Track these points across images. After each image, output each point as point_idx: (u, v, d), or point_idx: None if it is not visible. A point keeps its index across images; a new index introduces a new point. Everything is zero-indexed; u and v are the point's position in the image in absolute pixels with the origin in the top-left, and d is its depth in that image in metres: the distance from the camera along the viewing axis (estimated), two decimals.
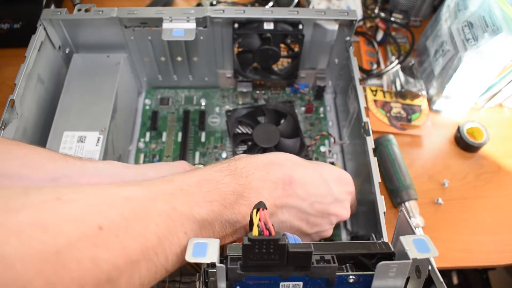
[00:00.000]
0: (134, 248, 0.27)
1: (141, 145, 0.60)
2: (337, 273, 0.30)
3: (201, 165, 0.50)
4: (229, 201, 0.34)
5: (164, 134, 0.61)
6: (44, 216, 0.24)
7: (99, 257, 0.25)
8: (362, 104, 0.50)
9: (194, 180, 0.34)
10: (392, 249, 0.32)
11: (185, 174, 0.35)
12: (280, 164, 0.39)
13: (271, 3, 0.75)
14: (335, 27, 0.53)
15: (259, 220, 0.28)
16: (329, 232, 0.42)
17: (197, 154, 0.59)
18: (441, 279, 0.29)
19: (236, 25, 0.53)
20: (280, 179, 0.38)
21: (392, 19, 0.73)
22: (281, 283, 0.30)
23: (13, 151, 0.37)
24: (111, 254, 0.25)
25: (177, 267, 0.31)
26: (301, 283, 0.30)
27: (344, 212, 0.41)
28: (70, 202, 0.26)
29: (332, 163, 0.59)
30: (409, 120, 0.64)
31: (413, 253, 0.29)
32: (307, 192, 0.39)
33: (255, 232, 0.28)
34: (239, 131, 0.57)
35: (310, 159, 0.55)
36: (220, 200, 0.34)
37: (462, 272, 0.83)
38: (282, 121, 0.58)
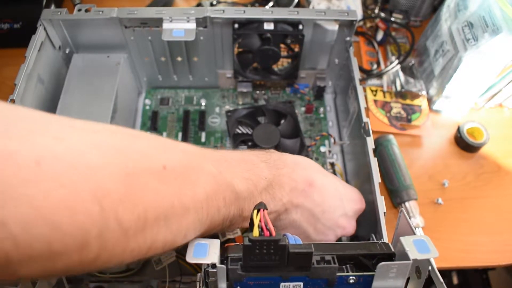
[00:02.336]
0: (187, 195, 0.28)
1: None
2: (338, 274, 0.30)
3: None
4: (261, 186, 0.36)
5: (164, 134, 0.61)
6: (120, 143, 0.26)
7: (161, 191, 0.26)
8: (362, 104, 0.50)
9: (236, 156, 0.36)
10: (392, 250, 0.32)
11: (227, 150, 0.37)
12: (305, 167, 0.41)
13: (271, 3, 0.75)
14: (335, 27, 0.53)
15: (260, 220, 0.28)
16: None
17: None
18: (441, 280, 0.29)
19: (236, 25, 0.53)
20: (302, 180, 0.39)
21: (392, 19, 0.73)
22: (282, 284, 0.30)
23: None
24: (170, 193, 0.27)
25: (203, 234, 0.31)
26: (301, 284, 0.30)
27: (349, 227, 0.43)
28: (139, 138, 0.28)
29: (332, 164, 0.59)
30: (409, 120, 0.64)
31: (413, 253, 0.29)
32: (323, 199, 0.40)
33: (255, 232, 0.28)
34: (239, 132, 0.57)
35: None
36: (255, 181, 0.35)
37: (462, 272, 0.83)
38: (282, 121, 0.58)
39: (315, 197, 0.40)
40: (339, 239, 0.48)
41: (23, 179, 0.20)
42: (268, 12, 0.52)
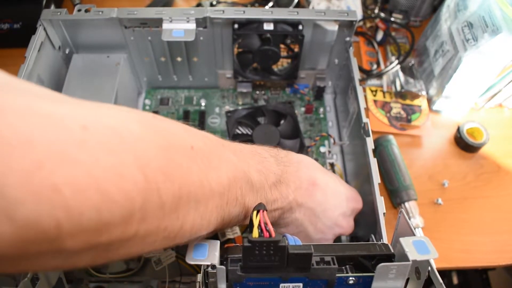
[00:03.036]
0: (213, 177, 0.28)
1: None
2: (337, 275, 0.30)
3: None
4: (271, 180, 0.36)
5: None
6: (152, 120, 0.26)
7: (192, 170, 0.26)
8: (362, 105, 0.50)
9: (248, 148, 0.36)
10: (392, 251, 0.32)
11: (238, 142, 0.37)
12: (307, 166, 0.41)
13: (271, 4, 0.75)
14: (335, 27, 0.53)
15: (259, 221, 0.28)
16: (330, 243, 0.43)
17: None
18: (441, 281, 0.29)
19: (236, 26, 0.53)
20: (306, 179, 0.40)
21: (392, 19, 0.73)
22: (281, 285, 0.30)
23: None
24: (200, 173, 0.27)
25: (218, 226, 0.31)
26: (301, 285, 0.30)
27: (348, 227, 0.43)
28: (164, 119, 0.28)
29: (332, 164, 0.59)
30: (409, 120, 0.64)
31: (413, 254, 0.29)
32: (325, 199, 0.40)
33: (255, 233, 0.28)
34: (239, 132, 0.57)
35: None
36: (266, 174, 0.35)
37: (462, 272, 0.83)
38: (282, 121, 0.58)
39: (318, 196, 0.40)
40: (338, 239, 0.48)
41: (74, 143, 0.19)
42: (268, 13, 0.52)
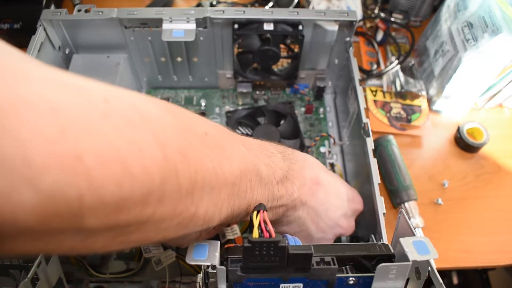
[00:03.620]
0: (226, 165, 0.28)
1: None
2: (337, 275, 0.30)
3: None
4: (278, 176, 0.36)
5: None
6: (166, 105, 0.26)
7: (207, 155, 0.26)
8: (362, 105, 0.50)
9: (256, 142, 0.36)
10: (392, 251, 0.32)
11: (245, 136, 0.36)
12: (311, 165, 0.41)
13: (271, 4, 0.75)
14: (335, 27, 0.53)
15: (260, 222, 0.28)
16: (330, 243, 0.43)
17: None
18: (441, 281, 0.29)
19: (236, 26, 0.53)
20: (310, 178, 0.39)
21: (392, 19, 0.73)
22: (281, 285, 0.30)
23: None
24: (214, 159, 0.27)
25: (227, 219, 0.31)
26: (301, 285, 0.30)
27: (348, 227, 0.43)
28: (176, 106, 0.28)
29: (332, 164, 0.59)
30: (409, 121, 0.64)
31: (413, 255, 0.29)
32: (327, 198, 0.40)
33: (255, 234, 0.28)
34: (239, 132, 0.57)
35: None
36: (273, 169, 0.35)
37: (462, 272, 0.83)
38: (282, 122, 0.58)
39: (321, 196, 0.40)
40: (338, 239, 0.48)
41: (98, 114, 0.19)
42: (268, 13, 0.52)
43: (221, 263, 0.30)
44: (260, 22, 0.53)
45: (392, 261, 0.31)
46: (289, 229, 0.41)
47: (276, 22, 0.53)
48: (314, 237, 0.42)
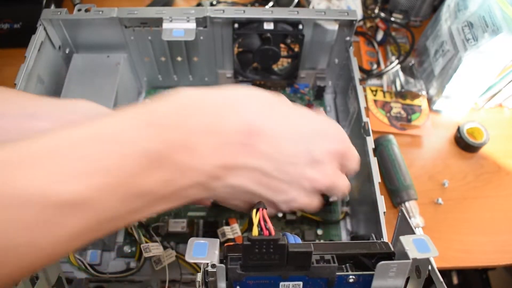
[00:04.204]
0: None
1: None
2: (337, 273, 0.30)
3: None
4: (131, 171, 0.25)
5: None
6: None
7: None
8: (362, 104, 0.50)
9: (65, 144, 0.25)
10: (392, 249, 0.32)
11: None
12: (238, 109, 0.29)
13: (271, 3, 0.75)
14: (335, 27, 0.53)
15: (259, 220, 0.28)
16: (301, 202, 0.34)
17: None
18: (441, 279, 0.29)
19: (236, 25, 0.53)
20: (234, 129, 0.29)
21: (392, 19, 0.73)
22: (281, 283, 0.30)
23: None
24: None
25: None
26: (301, 283, 0.30)
27: (321, 177, 0.33)
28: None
29: None
30: (409, 120, 0.64)
31: (413, 253, 0.29)
32: (276, 149, 0.30)
33: (254, 232, 0.28)
34: None
35: None
36: (117, 168, 0.25)
37: (462, 272, 0.83)
38: None
39: (263, 149, 0.29)
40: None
41: None
42: (268, 12, 0.52)
43: (221, 261, 0.29)
44: (260, 21, 0.53)
45: (392, 259, 0.31)
46: (236, 202, 0.33)
47: (276, 21, 0.53)
48: (275, 201, 0.33)
